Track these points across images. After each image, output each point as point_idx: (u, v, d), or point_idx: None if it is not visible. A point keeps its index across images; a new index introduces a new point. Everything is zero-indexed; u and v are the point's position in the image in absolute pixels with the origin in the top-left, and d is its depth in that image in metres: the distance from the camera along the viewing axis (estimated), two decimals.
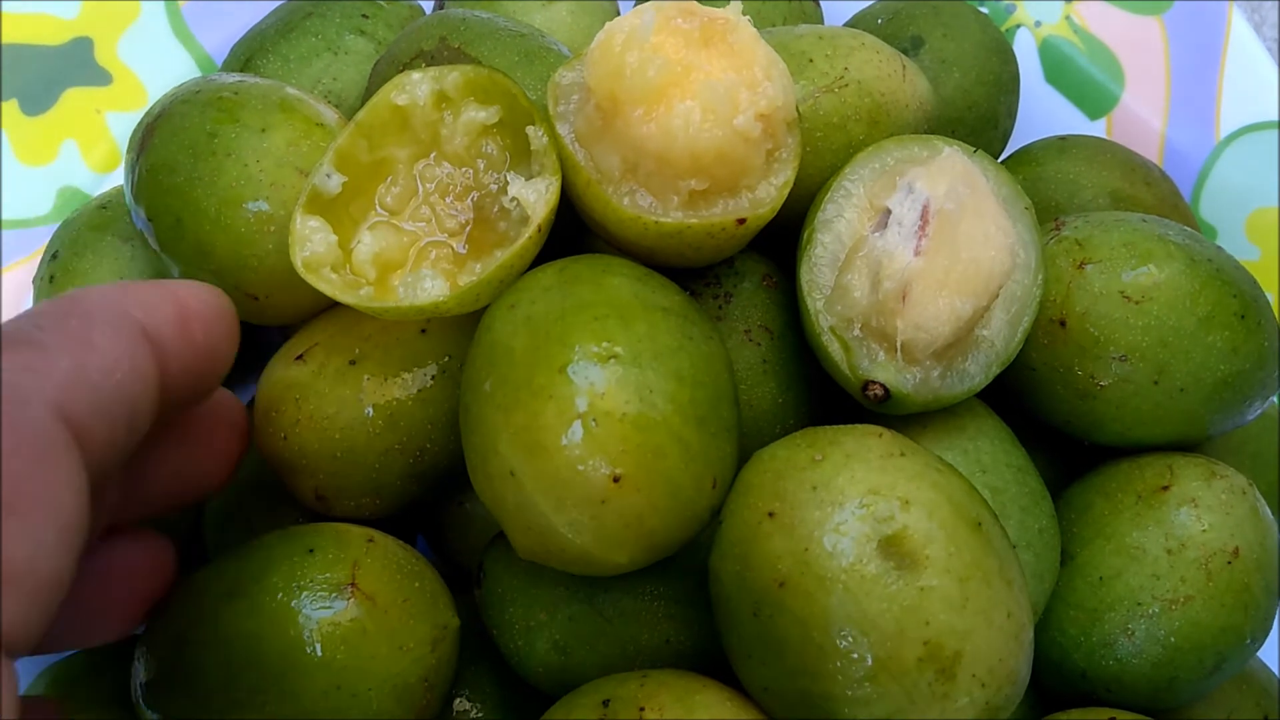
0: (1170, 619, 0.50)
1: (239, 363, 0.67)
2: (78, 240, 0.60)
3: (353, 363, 0.51)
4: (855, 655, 0.39)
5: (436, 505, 0.60)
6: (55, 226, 0.62)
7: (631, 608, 0.49)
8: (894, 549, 0.39)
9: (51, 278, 0.59)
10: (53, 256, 0.60)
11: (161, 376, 0.36)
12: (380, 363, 0.51)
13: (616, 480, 0.40)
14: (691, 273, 0.53)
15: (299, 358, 0.52)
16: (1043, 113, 0.75)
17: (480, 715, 0.53)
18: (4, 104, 0.68)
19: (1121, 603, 0.50)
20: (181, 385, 0.38)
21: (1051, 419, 0.55)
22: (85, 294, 0.35)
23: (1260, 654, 0.57)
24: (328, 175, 0.48)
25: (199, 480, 0.47)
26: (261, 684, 0.44)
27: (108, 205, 0.61)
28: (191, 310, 0.38)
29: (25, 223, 0.68)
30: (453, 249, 0.49)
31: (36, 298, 0.60)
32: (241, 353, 0.66)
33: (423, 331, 0.52)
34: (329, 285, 0.47)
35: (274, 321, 0.55)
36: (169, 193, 0.51)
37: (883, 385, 0.48)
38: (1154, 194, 0.65)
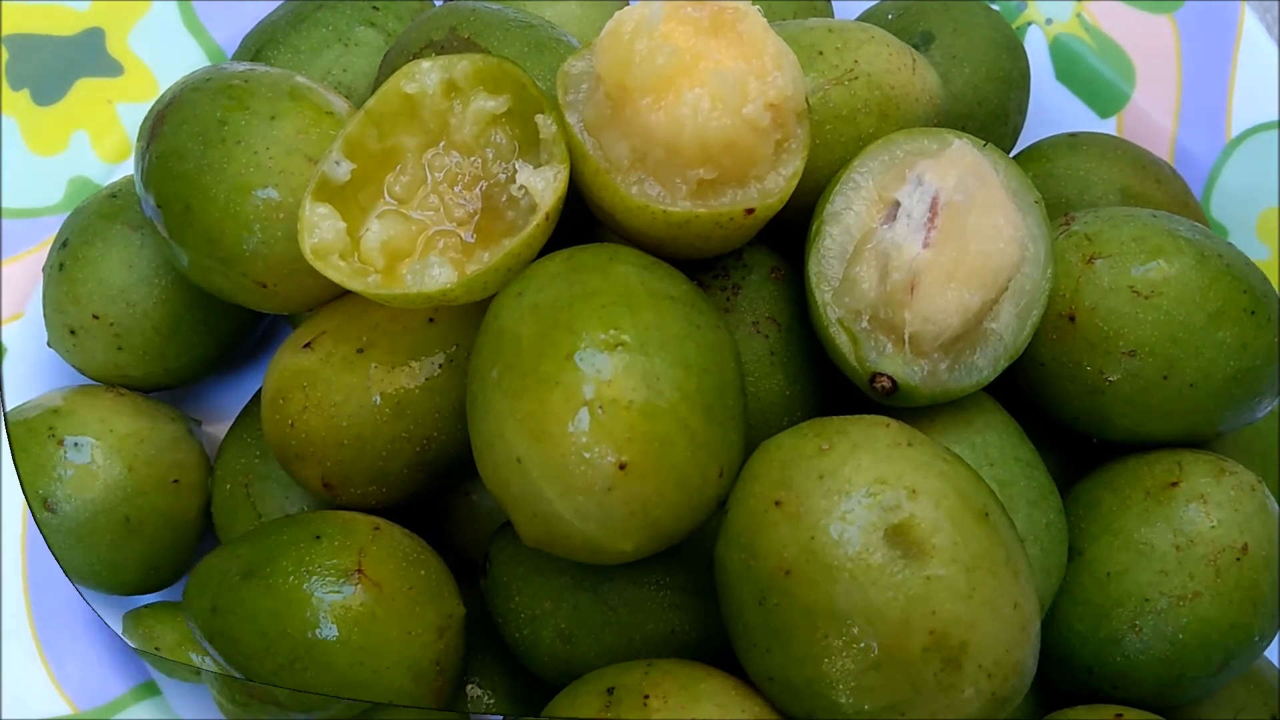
0: (1178, 615, 0.49)
1: (247, 350, 0.68)
2: (88, 228, 0.60)
3: (361, 351, 0.51)
4: (861, 644, 0.39)
5: (443, 497, 0.60)
6: (66, 216, 0.62)
7: (637, 597, 0.49)
8: (900, 538, 0.39)
9: (61, 265, 0.60)
10: (63, 244, 0.60)
11: None
12: (388, 351, 0.51)
13: (623, 468, 0.40)
14: (699, 264, 0.53)
15: (307, 345, 0.52)
16: (1053, 111, 0.75)
17: (492, 702, 0.54)
18: (16, 94, 0.68)
19: (1129, 599, 0.50)
20: None
21: (1060, 414, 0.55)
22: None
23: (1267, 653, 0.56)
24: (337, 163, 0.48)
25: None
26: (296, 652, 0.46)
27: (118, 194, 0.62)
28: None
29: (35, 212, 0.68)
30: (461, 238, 0.49)
31: (46, 285, 0.61)
32: (250, 340, 0.67)
33: (430, 320, 0.52)
34: (337, 272, 0.47)
35: (282, 309, 0.55)
36: (178, 179, 0.51)
37: (890, 377, 0.48)
38: (1165, 191, 0.64)
